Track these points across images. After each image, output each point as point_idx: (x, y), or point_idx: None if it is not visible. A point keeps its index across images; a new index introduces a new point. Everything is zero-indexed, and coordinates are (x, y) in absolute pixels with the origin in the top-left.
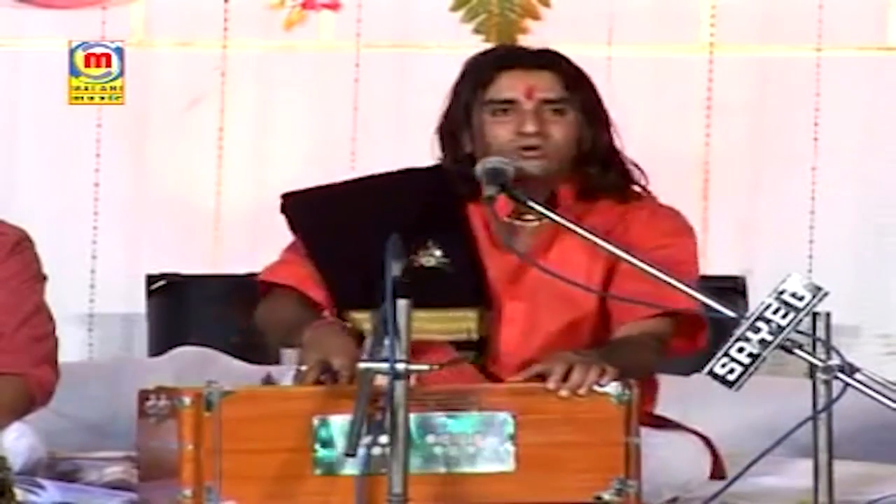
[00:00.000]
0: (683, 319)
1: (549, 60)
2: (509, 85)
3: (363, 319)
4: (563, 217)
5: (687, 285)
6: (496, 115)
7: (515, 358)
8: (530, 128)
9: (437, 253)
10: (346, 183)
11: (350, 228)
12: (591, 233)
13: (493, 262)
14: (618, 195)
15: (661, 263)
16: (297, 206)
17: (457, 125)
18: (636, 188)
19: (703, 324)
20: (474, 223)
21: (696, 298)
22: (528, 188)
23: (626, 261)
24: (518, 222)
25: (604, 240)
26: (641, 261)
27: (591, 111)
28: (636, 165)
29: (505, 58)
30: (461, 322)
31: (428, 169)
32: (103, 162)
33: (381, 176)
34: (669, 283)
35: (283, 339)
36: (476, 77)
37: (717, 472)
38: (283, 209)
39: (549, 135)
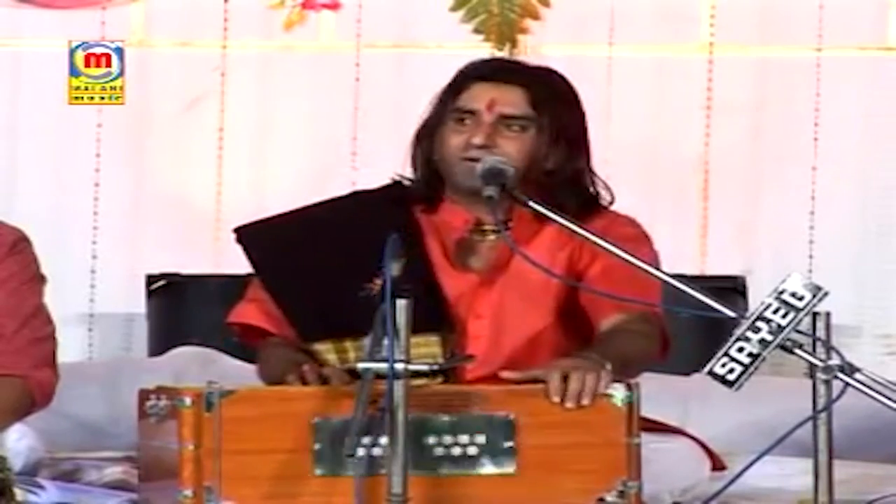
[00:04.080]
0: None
1: (524, 76)
2: (475, 96)
3: (326, 350)
4: (569, 226)
5: (650, 292)
6: (457, 124)
7: (480, 373)
8: (476, 140)
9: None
10: (299, 210)
11: (305, 258)
12: (612, 243)
13: (451, 281)
14: (572, 210)
15: (621, 271)
16: (251, 238)
17: (429, 129)
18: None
19: (665, 334)
20: (429, 243)
21: (692, 295)
22: (483, 205)
23: (638, 266)
24: (476, 237)
25: (614, 245)
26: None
27: (559, 133)
28: (606, 186)
29: (482, 69)
30: (424, 348)
31: (379, 189)
32: (103, 162)
33: (333, 201)
34: (642, 283)
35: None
36: (453, 84)
37: (718, 465)
38: (239, 241)
39: (497, 149)
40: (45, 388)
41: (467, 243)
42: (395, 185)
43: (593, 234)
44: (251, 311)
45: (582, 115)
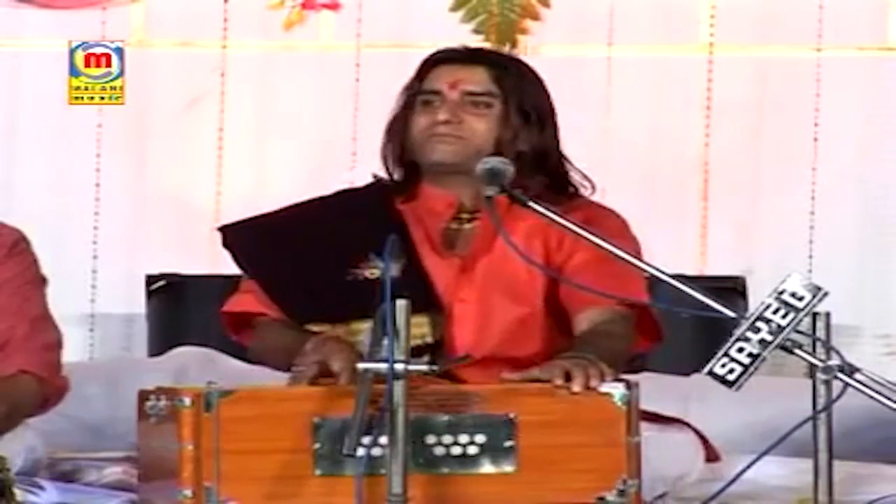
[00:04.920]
0: (638, 315)
1: (486, 57)
2: (437, 77)
3: (324, 331)
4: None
5: (633, 286)
6: (423, 106)
7: (473, 355)
8: (441, 116)
9: (381, 264)
10: (281, 209)
11: (290, 248)
12: (596, 234)
13: (436, 266)
14: (550, 198)
15: (604, 265)
16: (236, 234)
17: (398, 120)
18: (577, 193)
19: (655, 321)
20: (412, 229)
21: (692, 295)
22: (462, 187)
23: (613, 253)
24: (457, 224)
25: (598, 236)
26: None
27: (527, 112)
28: (584, 175)
29: (444, 53)
30: (414, 328)
31: (363, 187)
32: (103, 162)
33: (315, 200)
34: (624, 276)
35: (289, 363)
36: (418, 72)
37: (712, 456)
38: (224, 243)
39: (463, 124)
40: (60, 392)
41: (450, 229)
42: (377, 182)
43: (577, 225)
44: (249, 300)
45: (548, 98)
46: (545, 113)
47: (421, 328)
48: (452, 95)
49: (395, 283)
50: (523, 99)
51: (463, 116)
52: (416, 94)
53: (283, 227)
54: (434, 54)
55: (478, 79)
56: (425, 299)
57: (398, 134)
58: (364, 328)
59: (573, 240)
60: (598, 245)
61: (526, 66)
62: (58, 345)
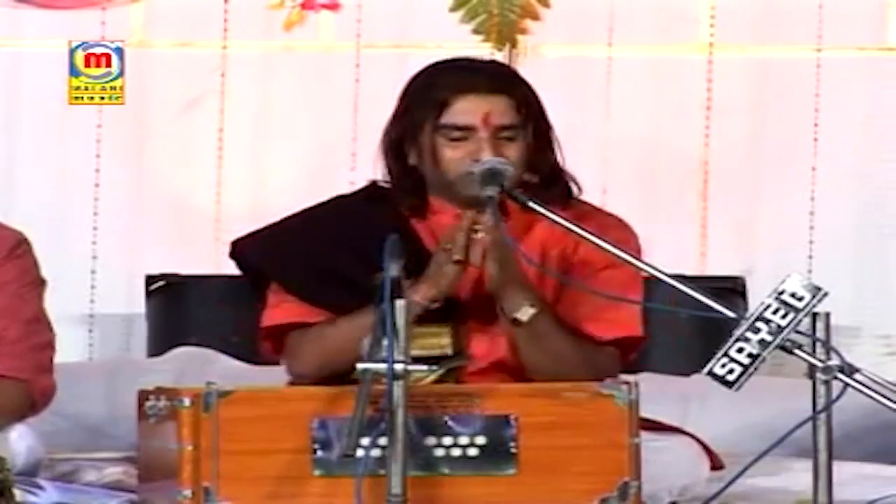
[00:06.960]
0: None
1: (505, 84)
2: (465, 110)
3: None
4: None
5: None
6: (451, 141)
7: (482, 362)
8: (486, 156)
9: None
10: (288, 219)
11: (313, 255)
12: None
13: None
14: (560, 205)
15: (607, 284)
16: (252, 248)
17: (404, 137)
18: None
19: (637, 349)
20: (424, 239)
21: (691, 295)
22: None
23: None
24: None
25: (609, 242)
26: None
27: (540, 133)
28: (574, 181)
29: (462, 82)
30: (433, 338)
31: (361, 192)
32: (103, 162)
33: (323, 204)
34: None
35: (341, 354)
36: (431, 97)
37: (716, 464)
38: (232, 255)
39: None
40: (46, 394)
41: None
42: (373, 186)
43: (589, 233)
44: (291, 310)
45: (543, 106)
46: (548, 125)
47: (441, 338)
48: (484, 132)
49: None
50: (537, 119)
51: (501, 153)
52: (441, 126)
53: (300, 236)
54: (448, 83)
55: (504, 110)
56: (449, 310)
57: (411, 150)
58: None
59: (582, 256)
60: (610, 259)
61: (521, 77)
62: (49, 346)
